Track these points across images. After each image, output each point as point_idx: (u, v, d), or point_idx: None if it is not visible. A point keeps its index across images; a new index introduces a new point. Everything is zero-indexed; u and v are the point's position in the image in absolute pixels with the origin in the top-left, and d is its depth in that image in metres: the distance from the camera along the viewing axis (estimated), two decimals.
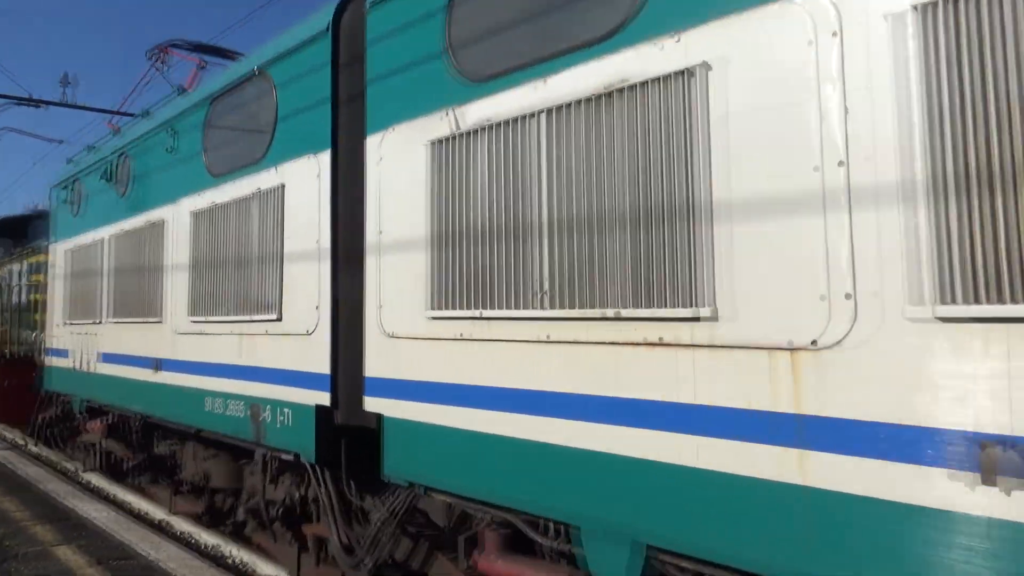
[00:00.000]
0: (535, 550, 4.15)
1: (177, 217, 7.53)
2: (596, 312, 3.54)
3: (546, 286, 3.76)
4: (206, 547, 7.54)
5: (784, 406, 2.89)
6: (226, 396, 6.41)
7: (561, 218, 3.71)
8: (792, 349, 2.89)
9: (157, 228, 7.98)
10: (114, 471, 10.23)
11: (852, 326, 2.73)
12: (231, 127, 6.91)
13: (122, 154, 9.26)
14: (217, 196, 6.80)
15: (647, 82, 3.41)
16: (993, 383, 2.41)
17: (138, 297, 8.35)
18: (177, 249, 7.48)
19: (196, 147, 7.35)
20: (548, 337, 3.78)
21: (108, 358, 9.23)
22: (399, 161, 4.74)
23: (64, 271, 11.11)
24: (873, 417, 2.65)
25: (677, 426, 3.23)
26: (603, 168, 3.55)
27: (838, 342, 2.76)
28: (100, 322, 9.48)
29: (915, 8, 2.60)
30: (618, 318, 3.46)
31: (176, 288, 7.45)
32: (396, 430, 4.67)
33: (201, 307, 6.91)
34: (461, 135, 4.27)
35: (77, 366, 10.39)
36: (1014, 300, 2.35)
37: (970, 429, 2.44)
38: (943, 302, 2.48)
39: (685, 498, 3.20)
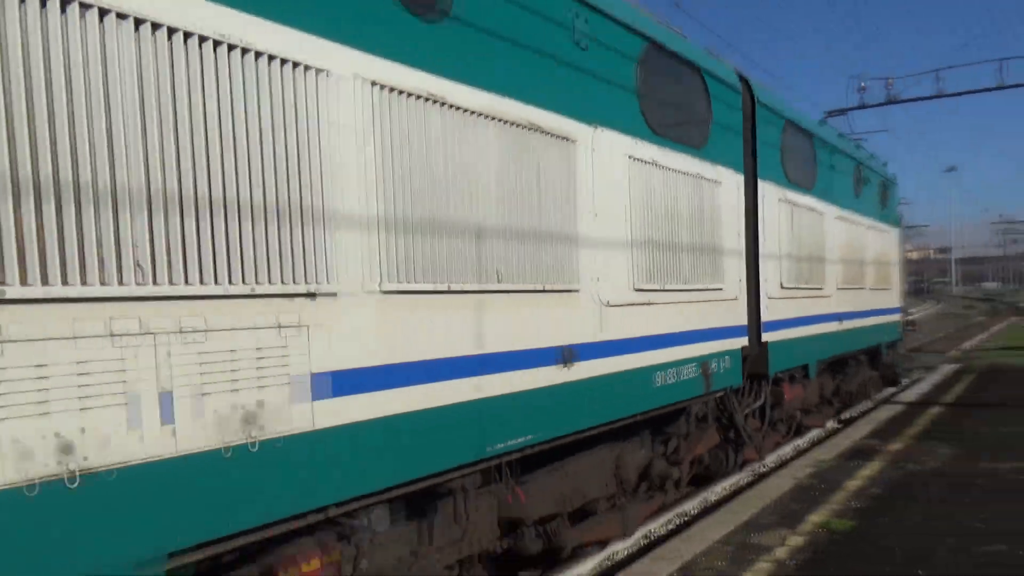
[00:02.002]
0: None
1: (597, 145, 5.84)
2: None
3: None
4: None
5: None
6: (679, 363, 7.07)
7: None
8: None
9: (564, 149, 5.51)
10: None
11: None
12: (667, 89, 6.97)
13: None
14: (659, 155, 6.61)
15: None
16: None
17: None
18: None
19: (626, 82, 6.27)
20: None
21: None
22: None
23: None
24: None
25: None
26: None
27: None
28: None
29: None
30: None
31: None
32: (774, 349, 9.12)
33: (648, 275, 6.53)
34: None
35: None
36: None
37: None
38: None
39: None
